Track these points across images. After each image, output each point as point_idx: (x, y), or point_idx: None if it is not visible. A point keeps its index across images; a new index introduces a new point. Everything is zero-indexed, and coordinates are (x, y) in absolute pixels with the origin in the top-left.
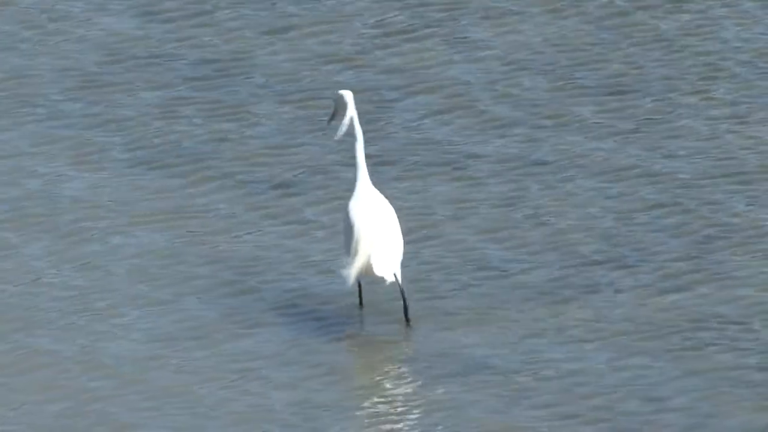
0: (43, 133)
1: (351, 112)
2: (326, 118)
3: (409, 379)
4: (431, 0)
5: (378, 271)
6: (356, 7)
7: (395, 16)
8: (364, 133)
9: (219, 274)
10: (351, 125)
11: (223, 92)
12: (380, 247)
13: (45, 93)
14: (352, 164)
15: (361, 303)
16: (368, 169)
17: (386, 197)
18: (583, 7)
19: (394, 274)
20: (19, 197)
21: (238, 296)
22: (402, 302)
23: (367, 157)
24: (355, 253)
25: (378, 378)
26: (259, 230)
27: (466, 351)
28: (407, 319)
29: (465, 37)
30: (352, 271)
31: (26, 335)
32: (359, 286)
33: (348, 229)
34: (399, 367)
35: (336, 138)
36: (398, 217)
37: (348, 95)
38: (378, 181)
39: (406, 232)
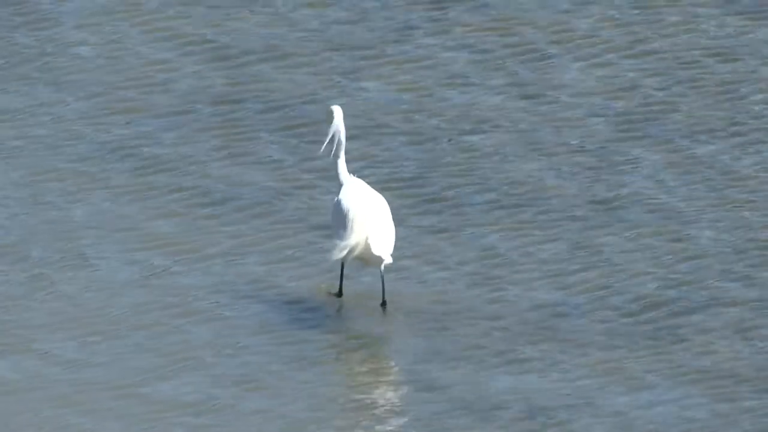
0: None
1: (339, 124)
2: (325, 132)
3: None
4: (496, 41)
5: (376, 251)
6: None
7: (462, 62)
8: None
9: (210, 296)
10: (338, 138)
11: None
12: (377, 228)
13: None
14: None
15: (340, 292)
16: (441, 206)
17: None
18: (652, 54)
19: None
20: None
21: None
22: (381, 285)
23: (436, 197)
24: (351, 232)
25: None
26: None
27: (533, 396)
28: (384, 302)
29: (531, 78)
30: (345, 245)
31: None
32: (341, 275)
33: (339, 212)
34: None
35: (321, 152)
36: (461, 256)
37: (337, 110)
38: (450, 223)
39: (475, 272)
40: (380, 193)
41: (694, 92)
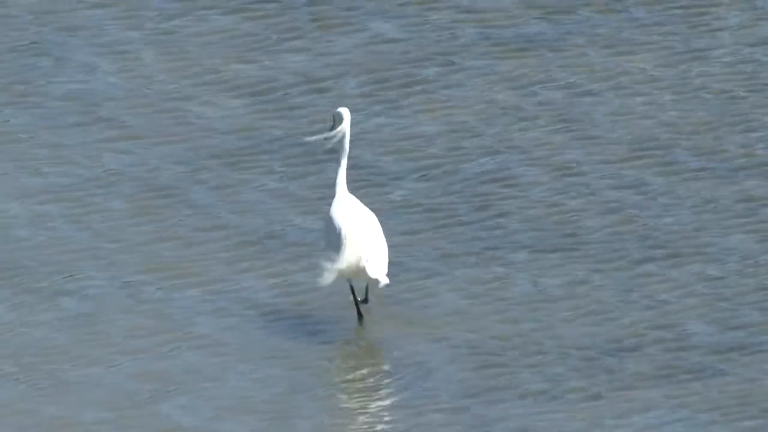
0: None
1: (346, 128)
2: (327, 132)
3: None
4: (546, 78)
5: (372, 275)
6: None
7: (508, 97)
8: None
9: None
10: (341, 140)
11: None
12: (371, 249)
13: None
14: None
15: (360, 315)
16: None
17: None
18: (700, 89)
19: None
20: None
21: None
22: (364, 296)
23: (477, 232)
24: (343, 254)
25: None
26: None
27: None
28: (366, 299)
29: (574, 113)
30: (336, 268)
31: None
32: (353, 296)
33: (331, 230)
34: None
35: (325, 147)
36: (510, 299)
37: (346, 112)
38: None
39: (519, 319)
40: (418, 222)
41: (744, 129)
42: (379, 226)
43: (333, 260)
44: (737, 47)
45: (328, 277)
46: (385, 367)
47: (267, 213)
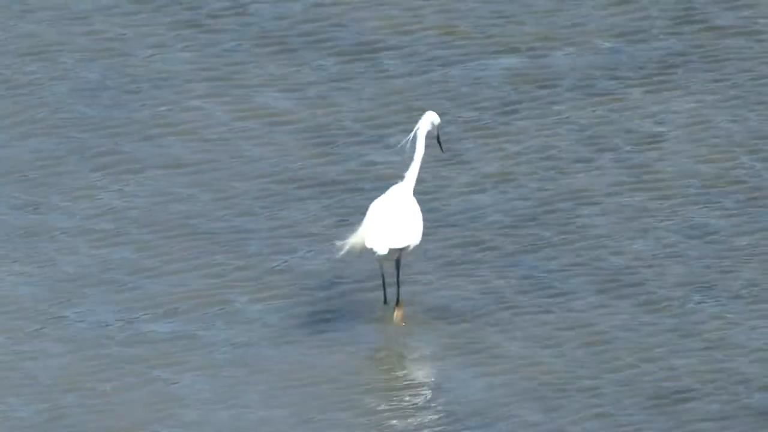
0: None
1: (423, 127)
2: (404, 143)
3: None
4: (600, 120)
5: (368, 243)
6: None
7: (566, 139)
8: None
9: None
10: (416, 139)
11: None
12: (378, 223)
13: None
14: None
15: (385, 299)
16: None
17: None
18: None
19: (397, 256)
20: None
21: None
22: (397, 291)
23: (539, 275)
24: (360, 229)
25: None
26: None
27: None
28: (397, 300)
29: (638, 159)
30: (348, 242)
31: None
32: (383, 282)
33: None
34: None
35: (400, 145)
36: (562, 335)
37: (429, 115)
38: None
39: (577, 348)
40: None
41: None
42: (419, 217)
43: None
44: None
45: (341, 250)
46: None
47: (261, 240)
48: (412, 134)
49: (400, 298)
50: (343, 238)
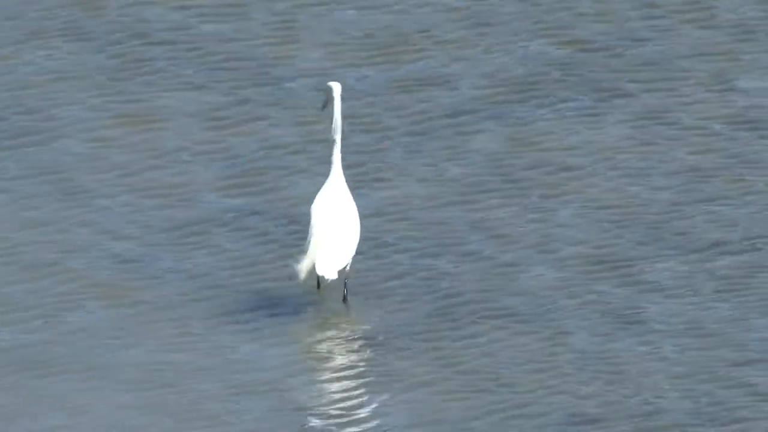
0: None
1: (336, 105)
2: (320, 105)
3: None
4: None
5: (319, 270)
6: None
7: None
8: None
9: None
10: (335, 119)
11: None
12: (326, 246)
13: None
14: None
15: (319, 285)
16: None
17: None
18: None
19: (345, 268)
20: None
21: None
22: (343, 288)
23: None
24: (308, 252)
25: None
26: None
27: None
28: (345, 299)
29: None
30: (303, 267)
31: None
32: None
33: (309, 226)
34: None
35: (332, 135)
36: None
37: (336, 87)
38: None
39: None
40: None
41: None
42: (356, 221)
43: (301, 261)
44: None
45: (299, 277)
46: None
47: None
48: (335, 117)
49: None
50: (296, 261)
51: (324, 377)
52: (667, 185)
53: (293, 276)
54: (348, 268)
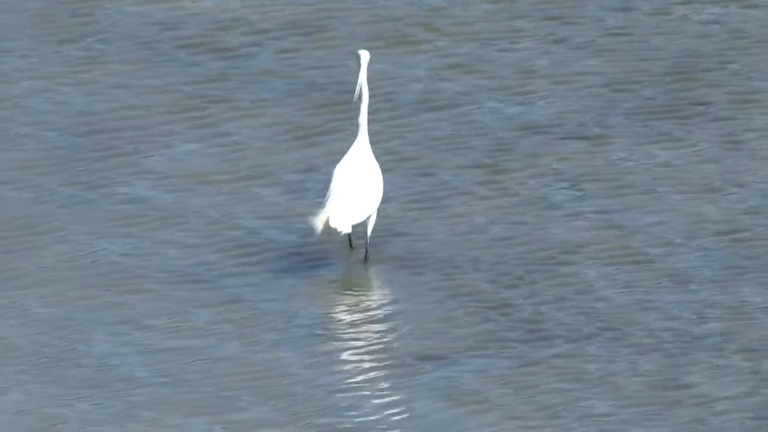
0: None
1: (362, 73)
2: (354, 97)
3: None
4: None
5: (332, 222)
6: None
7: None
8: None
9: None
10: (360, 85)
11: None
12: (340, 201)
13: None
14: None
15: (351, 245)
16: None
17: None
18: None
19: (366, 227)
20: None
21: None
22: (365, 248)
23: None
24: (325, 206)
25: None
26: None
27: None
28: (366, 259)
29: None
30: (319, 220)
31: None
32: (349, 237)
33: (330, 185)
34: None
35: (354, 99)
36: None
37: (364, 55)
38: None
39: None
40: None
41: None
42: (380, 184)
43: (318, 215)
44: None
45: (316, 230)
46: None
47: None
48: (359, 82)
49: (368, 255)
50: (315, 213)
51: (336, 367)
52: None
53: (312, 228)
54: (369, 228)
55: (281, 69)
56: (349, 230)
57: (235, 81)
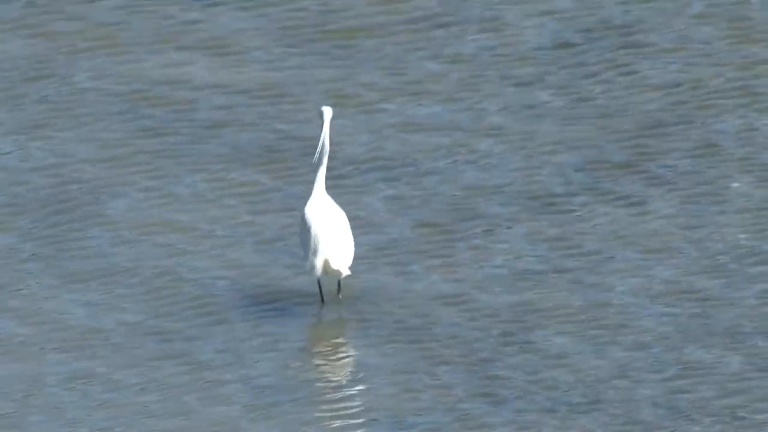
0: None
1: (325, 129)
2: (315, 156)
3: None
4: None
5: (335, 265)
6: None
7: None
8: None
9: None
10: (322, 142)
11: None
12: (336, 244)
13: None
14: None
15: (322, 299)
16: None
17: None
18: None
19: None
20: None
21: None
22: (337, 284)
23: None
24: (316, 250)
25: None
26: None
27: None
28: (338, 290)
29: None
30: (317, 263)
31: None
32: (319, 283)
33: (305, 230)
34: None
35: (315, 159)
36: None
37: (327, 111)
38: None
39: None
40: None
41: None
42: (347, 223)
43: (310, 260)
44: None
45: (314, 273)
46: None
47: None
48: (321, 138)
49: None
50: (305, 261)
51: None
52: None
53: (311, 271)
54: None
55: (231, 123)
56: (349, 273)
57: (185, 135)
